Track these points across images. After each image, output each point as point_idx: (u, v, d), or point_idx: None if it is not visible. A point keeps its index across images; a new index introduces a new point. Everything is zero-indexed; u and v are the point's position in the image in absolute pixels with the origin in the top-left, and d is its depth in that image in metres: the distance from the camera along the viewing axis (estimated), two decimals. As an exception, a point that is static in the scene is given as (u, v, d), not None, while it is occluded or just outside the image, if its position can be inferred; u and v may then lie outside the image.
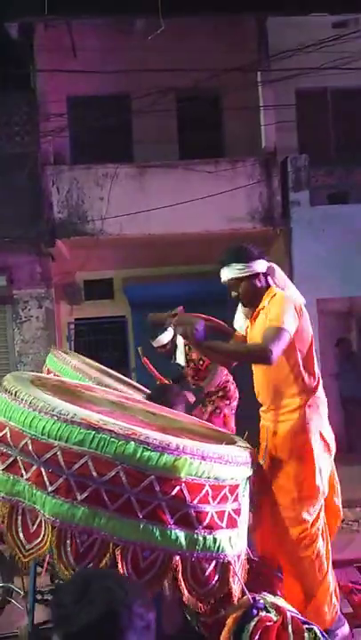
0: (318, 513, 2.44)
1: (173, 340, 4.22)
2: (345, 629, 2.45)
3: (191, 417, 3.08)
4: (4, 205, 7.07)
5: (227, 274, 2.58)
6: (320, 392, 2.56)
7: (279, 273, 2.65)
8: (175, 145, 8.15)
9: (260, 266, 2.56)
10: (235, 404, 4.14)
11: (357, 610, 2.65)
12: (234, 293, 2.60)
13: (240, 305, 2.68)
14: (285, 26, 7.65)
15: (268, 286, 2.60)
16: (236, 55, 7.53)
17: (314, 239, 7.45)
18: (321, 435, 2.50)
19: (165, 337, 4.16)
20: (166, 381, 4.01)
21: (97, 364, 3.93)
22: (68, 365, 3.40)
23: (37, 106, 7.47)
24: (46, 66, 7.50)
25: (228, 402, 4.08)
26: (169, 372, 4.33)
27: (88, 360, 3.88)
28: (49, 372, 3.41)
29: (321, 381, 2.58)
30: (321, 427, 2.51)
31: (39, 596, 2.61)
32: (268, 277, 2.61)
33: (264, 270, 2.58)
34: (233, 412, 4.13)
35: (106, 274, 8.39)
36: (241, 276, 2.55)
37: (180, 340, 4.15)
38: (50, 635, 2.57)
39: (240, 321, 2.73)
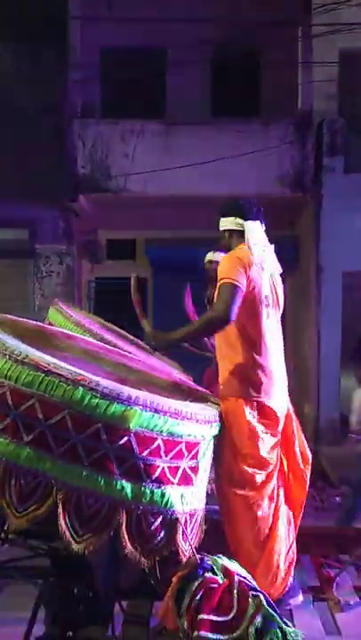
0: (266, 479, 2.35)
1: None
2: (298, 599, 2.37)
3: (174, 375, 2.99)
4: (29, 157, 7.01)
5: (219, 226, 2.63)
6: (267, 359, 2.42)
7: (255, 233, 2.54)
8: (208, 102, 7.85)
9: (233, 223, 2.56)
10: None
11: (324, 585, 2.56)
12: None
13: None
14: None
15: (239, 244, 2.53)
16: (278, 8, 7.10)
17: (345, 208, 7.08)
18: (263, 404, 2.37)
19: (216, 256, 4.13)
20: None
21: (104, 322, 3.86)
22: (68, 320, 3.34)
23: (69, 56, 7.30)
24: (80, 14, 7.29)
25: None
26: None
27: (95, 317, 3.82)
28: (50, 325, 3.37)
29: (269, 349, 2.43)
30: (265, 397, 2.38)
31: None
32: (245, 237, 2.53)
33: (238, 228, 2.55)
34: None
35: (129, 234, 8.29)
36: (223, 229, 2.59)
37: None
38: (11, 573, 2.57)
39: None
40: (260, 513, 2.35)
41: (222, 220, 2.59)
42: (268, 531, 2.35)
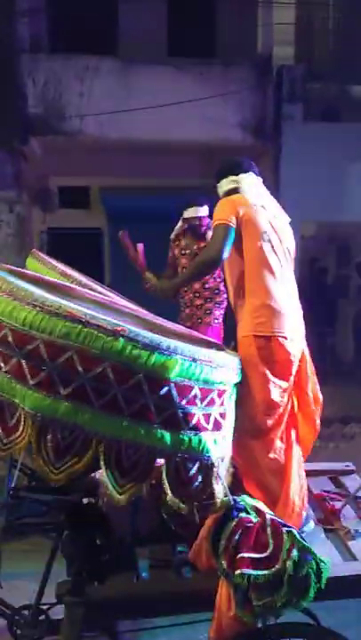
0: (276, 422, 2.43)
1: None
2: (311, 525, 2.54)
3: (176, 324, 2.96)
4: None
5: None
6: (275, 295, 2.42)
7: (247, 181, 2.58)
8: (164, 40, 7.48)
9: (228, 183, 2.59)
10: (224, 305, 3.92)
11: (329, 516, 2.72)
12: None
13: None
14: None
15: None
16: None
17: (303, 157, 7.12)
18: (277, 342, 2.40)
19: (203, 211, 3.97)
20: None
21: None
22: (54, 270, 3.13)
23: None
24: None
25: (219, 306, 3.92)
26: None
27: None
28: None
29: (277, 285, 2.44)
30: (278, 332, 2.41)
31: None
32: (241, 191, 2.56)
33: (233, 185, 2.57)
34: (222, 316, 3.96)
35: (82, 180, 7.92)
36: (221, 193, 2.62)
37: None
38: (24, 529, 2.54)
39: None
40: (272, 455, 2.43)
41: (218, 186, 2.63)
42: (283, 472, 2.44)
